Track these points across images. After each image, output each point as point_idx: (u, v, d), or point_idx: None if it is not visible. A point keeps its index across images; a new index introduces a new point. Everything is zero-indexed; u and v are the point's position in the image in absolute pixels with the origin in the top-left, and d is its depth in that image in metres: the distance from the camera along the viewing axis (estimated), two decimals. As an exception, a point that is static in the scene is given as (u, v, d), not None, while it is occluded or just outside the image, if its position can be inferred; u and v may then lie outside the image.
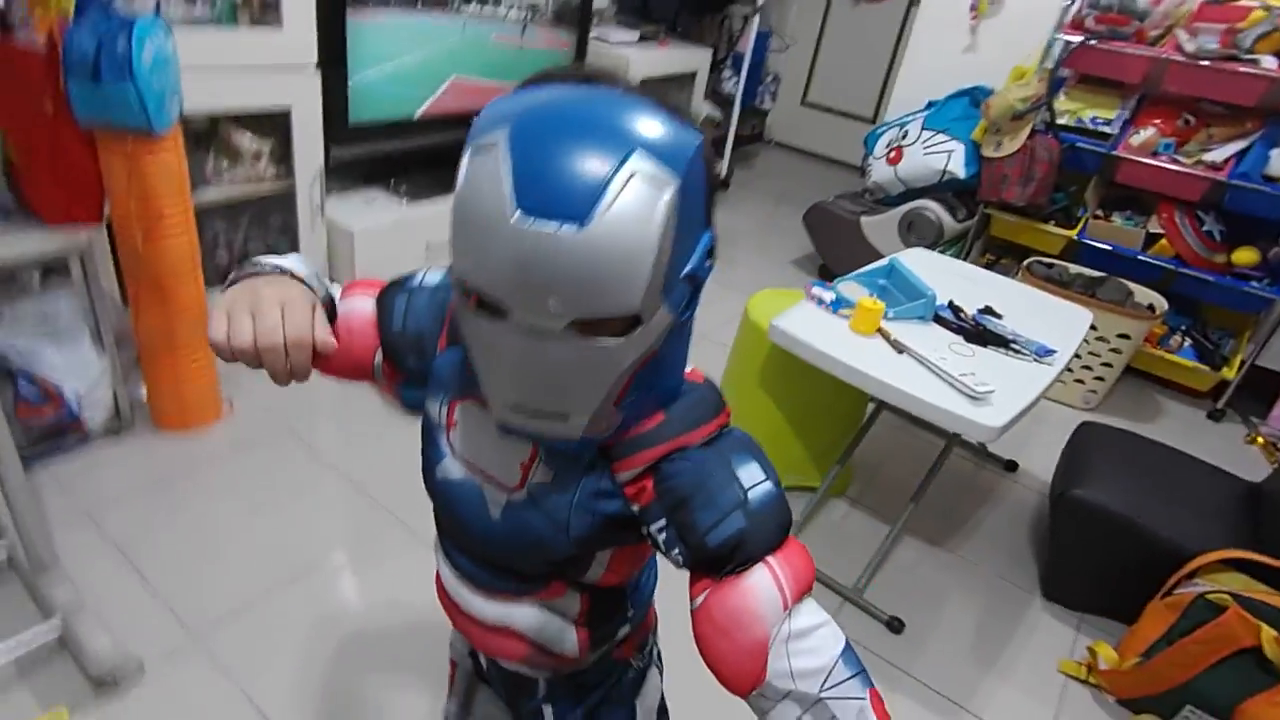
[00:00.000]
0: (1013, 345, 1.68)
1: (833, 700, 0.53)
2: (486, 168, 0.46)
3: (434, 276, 0.69)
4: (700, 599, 0.56)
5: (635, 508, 0.59)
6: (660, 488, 0.57)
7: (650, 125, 0.47)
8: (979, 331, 1.72)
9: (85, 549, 1.53)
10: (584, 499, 0.60)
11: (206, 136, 2.05)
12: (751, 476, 0.56)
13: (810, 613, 0.55)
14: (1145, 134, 2.60)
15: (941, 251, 2.78)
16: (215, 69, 1.85)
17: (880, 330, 1.66)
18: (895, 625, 1.64)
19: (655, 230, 0.46)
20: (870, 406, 2.03)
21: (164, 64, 1.53)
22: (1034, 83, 2.71)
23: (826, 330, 1.64)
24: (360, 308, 0.68)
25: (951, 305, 1.81)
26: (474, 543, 0.68)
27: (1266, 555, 1.44)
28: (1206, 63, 2.38)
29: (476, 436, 0.63)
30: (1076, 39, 2.63)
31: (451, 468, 0.65)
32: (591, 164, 0.45)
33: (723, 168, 3.63)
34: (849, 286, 1.81)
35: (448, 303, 0.65)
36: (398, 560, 1.63)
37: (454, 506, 0.66)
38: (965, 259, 2.92)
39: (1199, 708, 1.41)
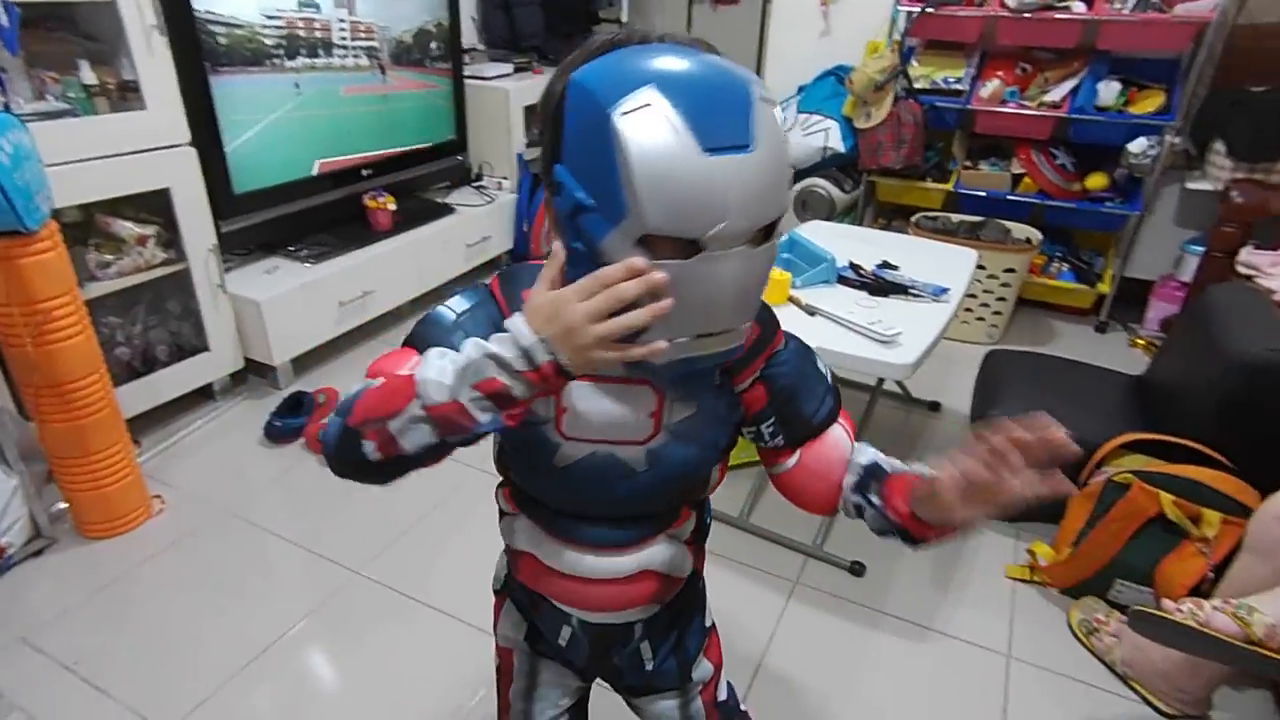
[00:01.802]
0: (911, 290, 1.83)
1: (883, 462, 0.75)
2: (656, 123, 0.52)
3: (463, 302, 0.69)
4: (791, 461, 0.77)
5: (746, 412, 0.74)
6: (771, 389, 0.73)
7: (735, 62, 0.58)
8: (879, 284, 1.86)
9: (29, 675, 1.45)
10: (723, 414, 0.73)
11: (84, 229, 1.99)
12: (824, 365, 0.78)
13: (860, 444, 0.78)
14: (991, 86, 2.84)
15: (837, 223, 2.95)
16: (82, 160, 1.81)
17: (791, 298, 1.77)
18: (857, 569, 1.74)
19: (783, 137, 0.58)
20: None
21: (24, 160, 1.49)
22: (887, 54, 2.93)
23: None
24: None
25: (852, 265, 1.95)
26: (618, 503, 0.73)
27: (1155, 433, 1.61)
28: (1029, 15, 2.63)
29: (593, 410, 0.67)
30: (916, 9, 2.86)
31: (572, 451, 0.69)
32: (735, 100, 0.55)
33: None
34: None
35: (492, 314, 0.67)
36: (377, 621, 1.61)
37: (588, 482, 0.70)
38: (859, 225, 3.10)
39: (1126, 579, 1.56)
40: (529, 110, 3.26)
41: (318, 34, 2.46)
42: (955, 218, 2.89)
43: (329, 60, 2.52)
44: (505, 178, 3.27)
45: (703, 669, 0.90)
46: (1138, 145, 2.56)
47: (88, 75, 1.88)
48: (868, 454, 0.77)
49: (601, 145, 0.53)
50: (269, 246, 2.52)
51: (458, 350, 0.57)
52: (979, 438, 0.59)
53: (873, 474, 0.74)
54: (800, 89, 3.28)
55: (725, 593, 1.68)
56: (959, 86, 2.90)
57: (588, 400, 0.67)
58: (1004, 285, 2.72)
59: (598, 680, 0.95)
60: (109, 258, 2.01)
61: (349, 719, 1.40)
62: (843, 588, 1.71)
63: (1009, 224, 2.82)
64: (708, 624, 0.92)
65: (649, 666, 0.86)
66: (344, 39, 2.55)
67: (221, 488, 1.98)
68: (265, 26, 2.30)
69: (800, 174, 3.20)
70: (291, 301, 2.34)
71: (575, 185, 0.57)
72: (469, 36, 3.32)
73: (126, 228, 2.03)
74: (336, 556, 1.75)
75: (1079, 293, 2.90)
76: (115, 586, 1.68)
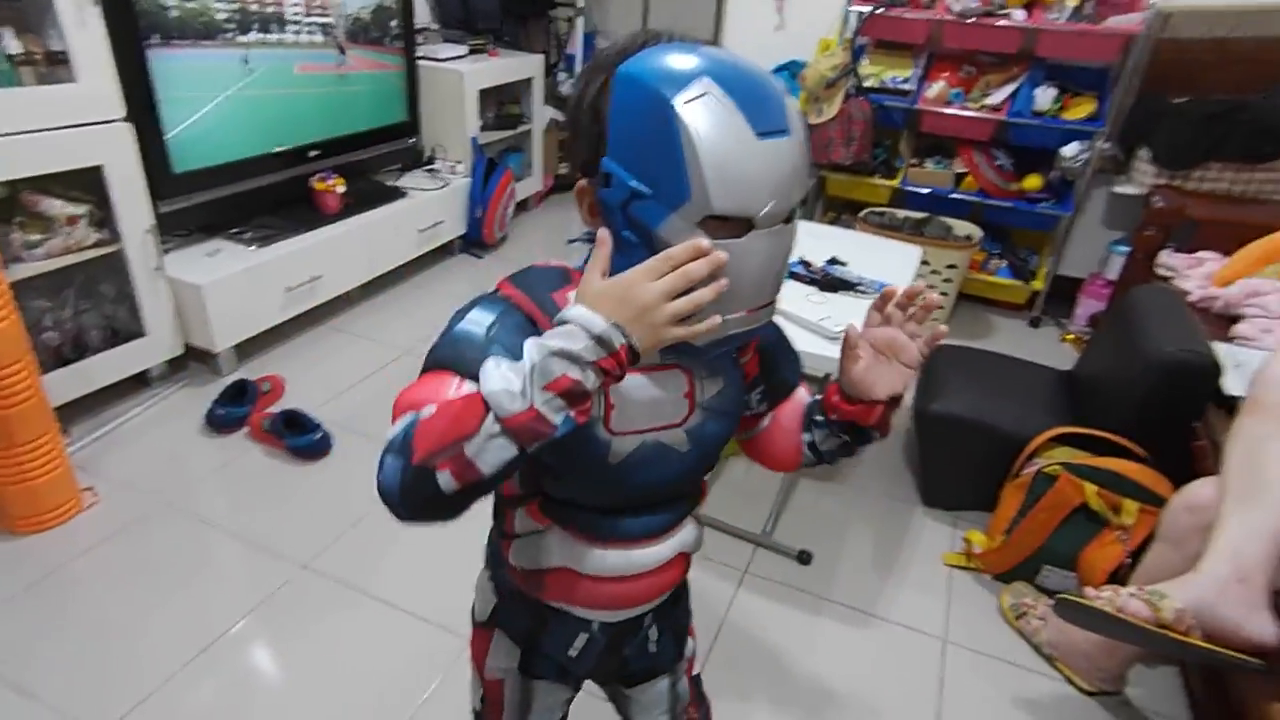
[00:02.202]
0: (858, 287, 1.88)
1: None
2: (716, 110, 0.57)
3: (485, 315, 0.65)
4: (765, 422, 0.87)
5: (745, 382, 0.80)
6: (762, 358, 0.81)
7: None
8: (828, 280, 1.91)
9: None
10: (739, 384, 0.78)
11: (7, 207, 1.89)
12: (787, 337, 0.86)
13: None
14: (937, 87, 2.92)
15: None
16: (5, 135, 1.72)
17: (743, 294, 1.81)
18: (804, 557, 1.80)
19: (805, 125, 0.63)
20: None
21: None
22: (839, 52, 2.98)
23: (696, 302, 1.76)
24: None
25: (802, 261, 1.99)
26: (667, 487, 0.76)
27: (1082, 427, 1.71)
28: (972, 20, 2.72)
29: (636, 401, 0.70)
30: (866, 9, 2.92)
31: (621, 447, 0.70)
32: (772, 90, 0.61)
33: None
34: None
35: (520, 322, 0.65)
36: (325, 615, 1.60)
37: (641, 473, 0.72)
38: (810, 220, 3.16)
39: (1052, 564, 1.66)
40: (484, 93, 3.21)
41: (270, 8, 2.37)
42: (901, 214, 2.98)
43: (281, 36, 2.43)
44: (459, 161, 3.21)
45: (689, 644, 0.94)
46: (1070, 149, 2.69)
47: (11, 44, 1.77)
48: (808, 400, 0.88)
49: (662, 133, 0.57)
50: (211, 228, 2.43)
51: (498, 361, 0.56)
52: (872, 308, 0.75)
53: (811, 408, 0.85)
54: (754, 82, 3.31)
55: (676, 581, 1.72)
56: (906, 86, 2.98)
57: (630, 393, 0.69)
58: (946, 280, 2.82)
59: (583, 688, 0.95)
60: (36, 237, 1.91)
61: (297, 717, 1.39)
62: (790, 576, 1.76)
63: (951, 221, 2.92)
64: (689, 603, 0.95)
65: (653, 649, 0.88)
66: (298, 14, 2.46)
67: (159, 478, 1.92)
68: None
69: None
70: (235, 285, 2.26)
71: (628, 175, 0.60)
72: (422, 16, 3.24)
73: (55, 206, 1.93)
74: (282, 549, 1.72)
75: (1015, 289, 3.03)
76: (44, 583, 1.61)
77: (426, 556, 1.69)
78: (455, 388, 0.59)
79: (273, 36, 2.40)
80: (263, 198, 2.53)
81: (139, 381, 2.24)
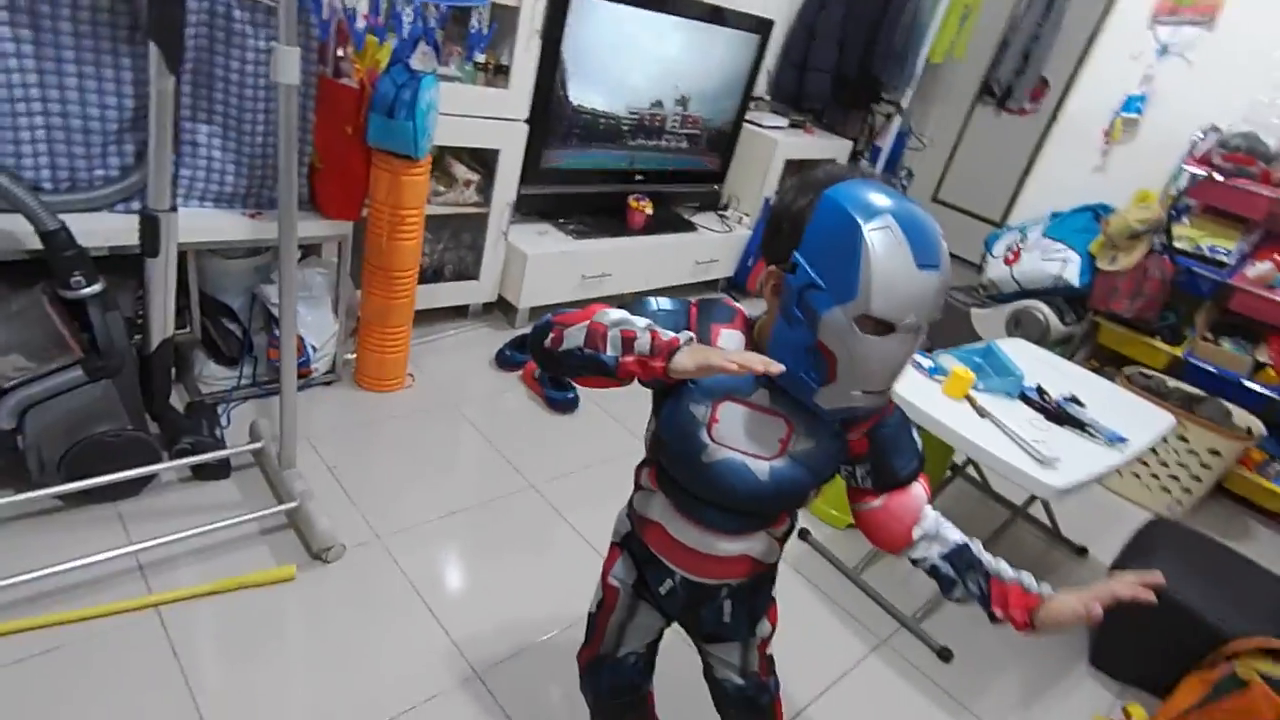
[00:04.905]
0: (1087, 429, 1.91)
1: (972, 546, 0.98)
2: (892, 242, 0.77)
3: (667, 304, 0.93)
4: (874, 503, 0.99)
5: (849, 454, 0.96)
6: (873, 442, 0.95)
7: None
8: (1058, 413, 1.95)
9: (307, 466, 1.95)
10: (833, 453, 0.94)
11: (434, 165, 2.59)
12: (916, 437, 1.00)
13: (936, 511, 1.00)
14: (1263, 267, 2.73)
15: (1048, 350, 2.97)
16: (454, 114, 2.34)
17: (968, 397, 1.93)
18: (945, 655, 1.86)
19: (948, 263, 0.81)
20: (948, 472, 2.27)
21: (432, 109, 2.05)
22: (1155, 207, 2.91)
23: (921, 391, 1.92)
24: None
25: (1039, 389, 2.05)
26: (740, 501, 0.94)
27: (1302, 650, 1.58)
28: (1324, 210, 2.52)
29: (737, 426, 0.90)
30: (1202, 173, 2.82)
31: (716, 453, 0.90)
32: (934, 234, 0.80)
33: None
34: (946, 358, 2.08)
35: (680, 325, 0.90)
36: (529, 526, 2.01)
37: (723, 479, 0.92)
38: (1069, 359, 3.09)
39: (1212, 767, 1.56)
40: (789, 163, 3.59)
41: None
42: (1172, 382, 2.81)
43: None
44: (747, 214, 3.63)
45: (764, 627, 1.15)
46: None
47: (479, 55, 2.47)
48: (953, 531, 0.99)
49: (848, 245, 0.77)
50: (546, 214, 3.05)
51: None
52: (1115, 583, 0.88)
53: (969, 561, 0.97)
54: (1053, 215, 3.31)
55: (818, 622, 1.89)
56: (1224, 259, 2.82)
57: (735, 418, 0.90)
58: (1204, 465, 2.61)
59: (675, 627, 1.18)
60: (441, 189, 2.61)
61: (473, 600, 1.78)
62: (924, 664, 1.84)
63: (1233, 407, 2.69)
64: (774, 595, 1.16)
65: (726, 620, 1.10)
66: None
67: (454, 388, 2.49)
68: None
69: (1022, 293, 3.24)
70: (550, 262, 2.84)
71: (810, 268, 0.80)
72: (760, 86, 3.72)
73: (462, 170, 2.62)
74: (521, 466, 2.18)
75: (1292, 504, 2.70)
76: (371, 427, 2.22)
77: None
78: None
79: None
80: (590, 202, 3.12)
81: (458, 312, 2.89)
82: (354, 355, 2.40)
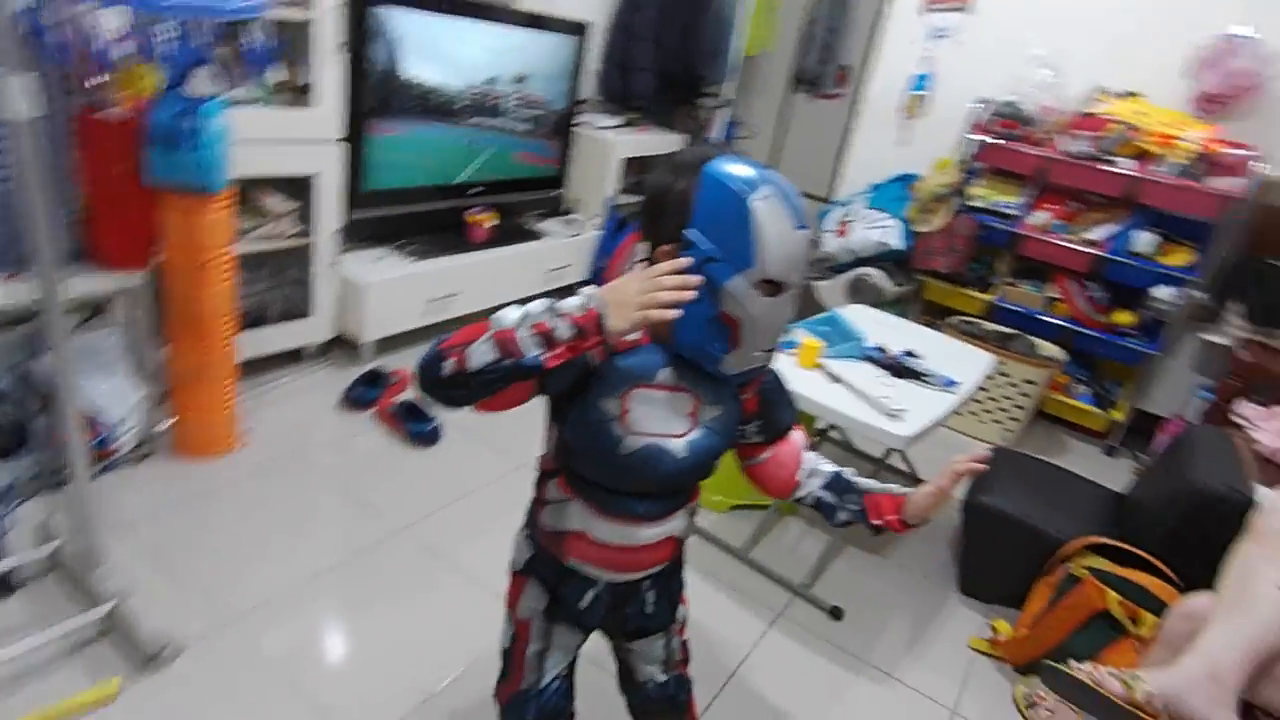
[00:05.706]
0: (924, 377, 2.07)
1: (844, 473, 1.08)
2: (775, 207, 0.84)
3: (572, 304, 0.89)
4: (764, 455, 1.07)
5: (744, 415, 1.02)
6: (761, 399, 1.03)
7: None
8: (899, 367, 2.11)
9: (122, 556, 1.67)
10: (735, 414, 0.99)
11: (240, 198, 2.36)
12: (789, 390, 1.08)
13: (813, 453, 1.10)
14: (1041, 216, 3.10)
15: (883, 311, 3.20)
16: (255, 141, 2.12)
17: (819, 364, 2.03)
18: (836, 613, 1.95)
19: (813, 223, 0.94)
20: (815, 438, 2.38)
21: (222, 136, 1.86)
22: (953, 172, 3.22)
23: (776, 366, 2.00)
24: None
25: (879, 347, 2.20)
26: (666, 484, 0.96)
27: (1117, 540, 1.80)
28: (1080, 162, 2.90)
29: (648, 411, 0.91)
30: (983, 139, 3.15)
31: (633, 443, 0.90)
32: (799, 198, 0.87)
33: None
34: (796, 331, 2.18)
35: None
36: (404, 572, 1.88)
37: (645, 468, 0.92)
38: (904, 318, 3.35)
39: (1070, 662, 1.74)
40: (626, 161, 3.63)
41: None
42: (989, 326, 3.12)
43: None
44: (594, 216, 3.63)
45: (681, 610, 1.16)
46: (1164, 292, 2.78)
47: (270, 75, 2.27)
48: (827, 464, 1.09)
49: (738, 216, 0.83)
50: (380, 239, 2.89)
51: None
52: (953, 464, 0.98)
53: (844, 485, 1.06)
54: (873, 187, 3.59)
55: (715, 609, 1.91)
56: (1012, 211, 3.17)
57: (644, 405, 0.90)
58: (1024, 395, 2.93)
59: (591, 639, 1.14)
60: (251, 224, 2.38)
61: (362, 659, 1.66)
62: (820, 628, 1.92)
63: (1038, 340, 3.04)
64: (684, 577, 1.17)
65: (649, 610, 1.10)
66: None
67: (298, 437, 2.29)
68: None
69: (857, 262, 3.48)
70: (391, 288, 2.69)
71: (704, 242, 0.85)
72: (586, 88, 3.72)
73: (276, 202, 2.41)
74: (383, 512, 2.02)
75: (1095, 416, 3.09)
76: (195, 501, 1.95)
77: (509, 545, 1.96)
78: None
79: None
80: (426, 220, 2.99)
81: (292, 357, 2.66)
82: (171, 422, 2.14)
